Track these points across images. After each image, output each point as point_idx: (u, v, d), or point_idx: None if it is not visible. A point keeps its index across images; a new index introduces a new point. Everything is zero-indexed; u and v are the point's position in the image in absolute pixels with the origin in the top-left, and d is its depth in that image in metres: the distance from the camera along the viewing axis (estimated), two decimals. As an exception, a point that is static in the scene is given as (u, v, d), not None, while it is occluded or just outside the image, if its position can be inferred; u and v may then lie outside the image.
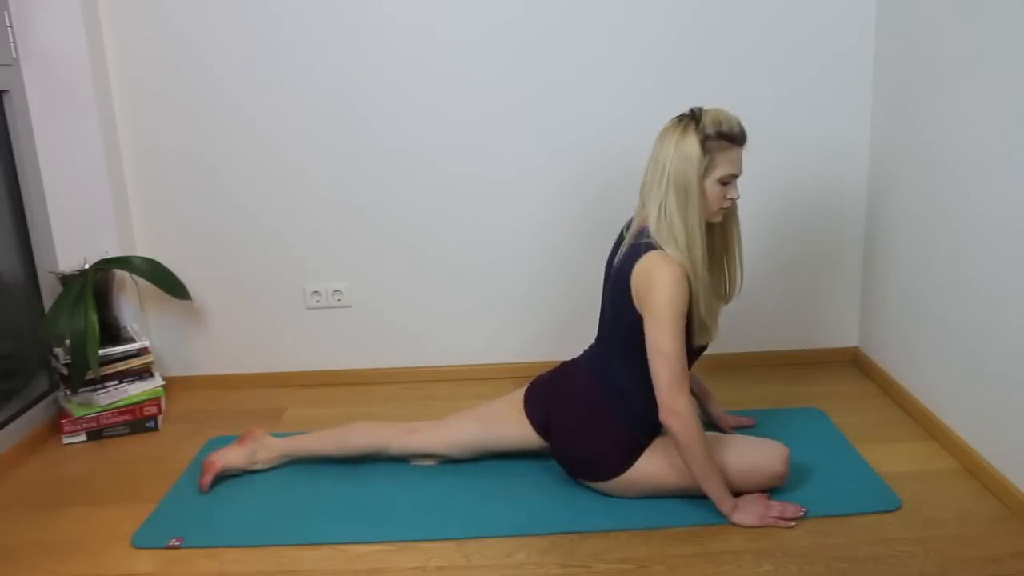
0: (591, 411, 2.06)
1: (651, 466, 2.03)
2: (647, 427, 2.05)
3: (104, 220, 2.69)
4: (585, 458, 2.09)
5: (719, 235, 2.06)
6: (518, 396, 2.21)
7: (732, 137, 1.90)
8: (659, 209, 1.92)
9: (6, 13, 2.50)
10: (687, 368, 1.94)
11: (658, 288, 1.88)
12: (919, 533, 1.91)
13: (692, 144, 1.89)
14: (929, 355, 2.41)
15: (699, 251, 1.91)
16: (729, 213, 2.04)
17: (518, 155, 2.75)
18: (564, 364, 2.21)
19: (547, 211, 2.80)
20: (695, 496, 2.01)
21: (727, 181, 1.93)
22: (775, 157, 2.75)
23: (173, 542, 1.98)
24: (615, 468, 2.04)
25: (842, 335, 2.94)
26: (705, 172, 1.91)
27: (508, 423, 2.19)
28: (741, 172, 1.95)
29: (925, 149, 2.38)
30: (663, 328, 1.89)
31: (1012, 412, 2.01)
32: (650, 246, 1.93)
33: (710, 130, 1.89)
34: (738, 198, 1.96)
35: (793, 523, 1.95)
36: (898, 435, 2.39)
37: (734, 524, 1.94)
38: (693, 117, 1.92)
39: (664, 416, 1.92)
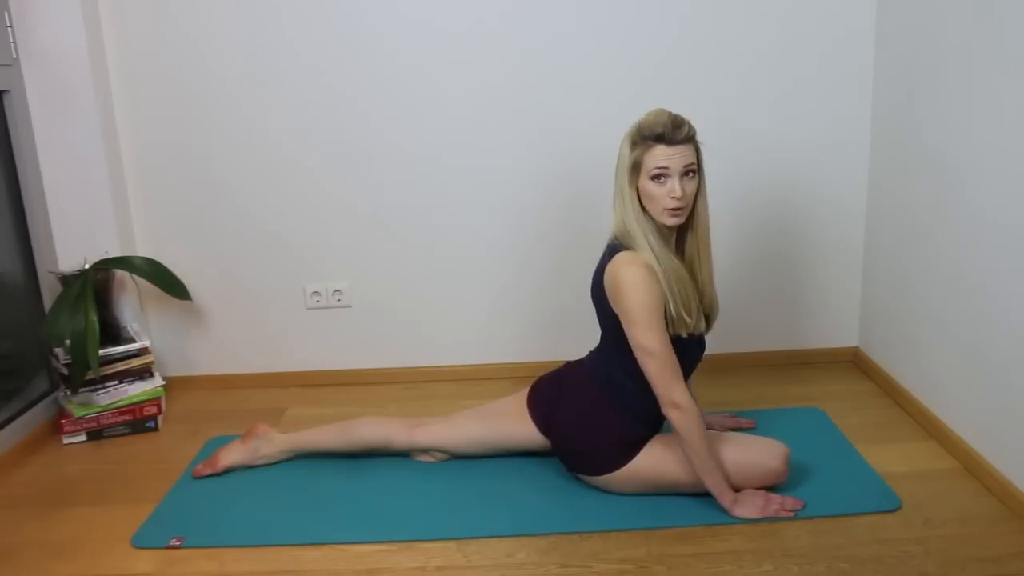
0: (591, 406, 2.08)
1: (650, 461, 2.04)
2: (646, 423, 2.06)
3: (104, 220, 2.69)
4: (585, 452, 2.10)
5: (685, 240, 2.04)
6: (522, 395, 2.23)
7: (654, 136, 1.89)
8: (613, 211, 2.00)
9: (6, 13, 2.50)
10: (676, 360, 1.95)
11: (624, 291, 1.93)
12: (919, 533, 1.91)
13: (625, 147, 1.96)
14: (929, 355, 2.41)
15: (651, 249, 1.93)
16: (691, 220, 2.00)
17: (518, 154, 2.75)
18: (568, 364, 2.23)
19: (550, 210, 2.80)
20: (695, 494, 2.02)
21: (657, 177, 1.90)
22: (775, 156, 2.75)
23: (173, 542, 1.98)
24: (614, 462, 2.05)
25: (842, 335, 2.94)
26: (636, 172, 1.94)
27: (512, 422, 2.21)
28: (675, 167, 1.89)
29: (925, 149, 2.38)
30: (639, 328, 1.92)
31: (1012, 412, 2.01)
32: (616, 248, 1.98)
33: (635, 133, 1.94)
34: (679, 195, 1.89)
35: (792, 513, 1.96)
36: (898, 435, 2.39)
37: (734, 516, 1.95)
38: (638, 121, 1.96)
39: (663, 408, 1.95)
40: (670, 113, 1.92)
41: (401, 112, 2.72)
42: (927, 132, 2.37)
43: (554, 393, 2.17)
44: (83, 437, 2.56)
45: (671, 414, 1.93)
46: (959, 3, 2.17)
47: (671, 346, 1.94)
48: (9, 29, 2.51)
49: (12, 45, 2.53)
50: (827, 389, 2.71)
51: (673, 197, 1.90)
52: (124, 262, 2.68)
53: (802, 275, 2.88)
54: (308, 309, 2.90)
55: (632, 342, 1.95)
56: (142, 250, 2.82)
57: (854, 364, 2.92)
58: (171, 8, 2.64)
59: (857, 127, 2.74)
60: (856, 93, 2.71)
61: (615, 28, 2.65)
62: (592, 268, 2.06)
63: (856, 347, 2.93)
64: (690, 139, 1.92)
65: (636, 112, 1.98)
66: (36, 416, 2.59)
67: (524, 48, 2.67)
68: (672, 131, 1.89)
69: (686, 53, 2.67)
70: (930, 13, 2.33)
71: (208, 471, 2.25)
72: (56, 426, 2.58)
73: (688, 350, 2.02)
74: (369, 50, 2.67)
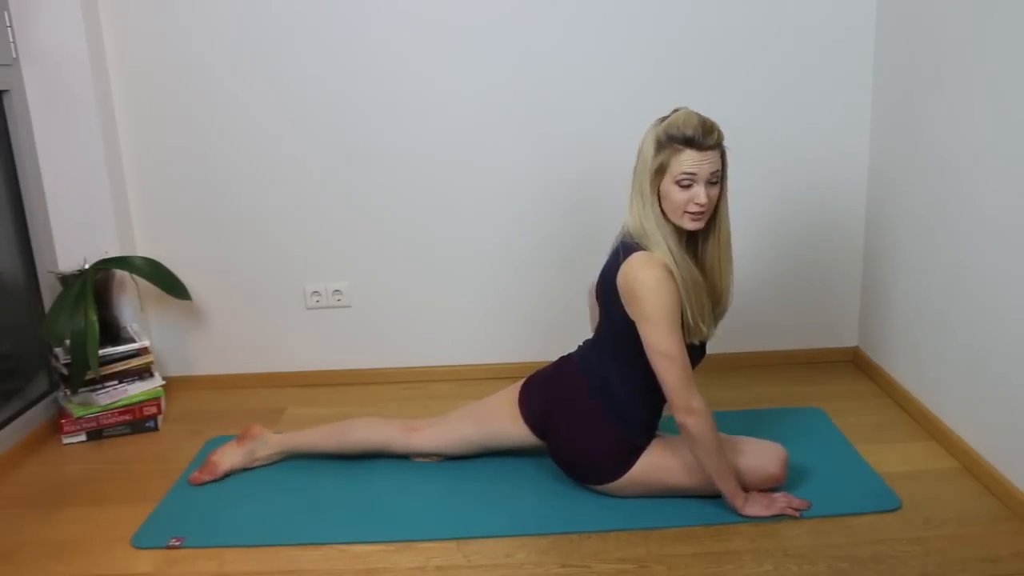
0: (587, 416, 2.05)
1: (650, 468, 2.02)
2: (644, 430, 2.04)
3: (104, 220, 2.69)
4: (583, 463, 2.08)
5: (706, 247, 1.99)
6: (513, 396, 2.19)
7: (684, 140, 1.83)
8: (630, 209, 1.94)
9: (6, 13, 2.51)
10: (690, 365, 1.93)
11: (643, 293, 1.86)
12: (919, 533, 1.91)
13: (648, 146, 1.89)
14: (929, 355, 2.41)
15: (670, 253, 1.87)
16: (712, 227, 1.95)
17: (518, 154, 2.75)
18: (559, 362, 2.19)
19: (551, 210, 2.80)
20: (694, 496, 2.02)
21: (683, 183, 1.85)
22: (775, 156, 2.75)
23: (173, 542, 1.98)
24: (613, 472, 2.03)
25: (842, 335, 2.94)
26: (659, 174, 1.87)
27: (505, 423, 2.19)
28: (703, 174, 1.83)
29: (925, 148, 2.38)
30: (658, 331, 1.87)
31: (1012, 412, 2.01)
32: (630, 248, 1.91)
33: (662, 133, 1.86)
34: (704, 203, 1.84)
35: (799, 513, 1.96)
36: (898, 435, 2.39)
37: (744, 515, 1.95)
38: (663, 119, 1.90)
39: (679, 415, 1.90)
40: (700, 116, 1.85)
41: (401, 112, 2.72)
42: (927, 131, 2.37)
43: (547, 397, 2.13)
44: (83, 437, 2.56)
45: (688, 420, 1.88)
46: (959, 2, 2.17)
47: (686, 352, 1.90)
48: (9, 29, 2.51)
49: (12, 45, 2.53)
50: (827, 389, 2.71)
51: (697, 203, 1.85)
52: (124, 262, 2.68)
53: (802, 275, 2.88)
54: (308, 309, 2.90)
55: (649, 346, 1.89)
56: (142, 250, 2.82)
57: (854, 364, 2.92)
58: (171, 8, 2.64)
59: (857, 126, 2.74)
60: (856, 92, 2.71)
61: (615, 28, 2.65)
62: (593, 268, 2.05)
63: (856, 347, 2.93)
64: (718, 145, 1.86)
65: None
66: (36, 416, 2.59)
67: (525, 47, 2.67)
68: (703, 136, 1.82)
69: (686, 52, 2.67)
70: (930, 12, 2.32)
71: (207, 477, 2.23)
72: (56, 426, 2.58)
73: (690, 353, 2.01)
74: (369, 49, 2.68)
